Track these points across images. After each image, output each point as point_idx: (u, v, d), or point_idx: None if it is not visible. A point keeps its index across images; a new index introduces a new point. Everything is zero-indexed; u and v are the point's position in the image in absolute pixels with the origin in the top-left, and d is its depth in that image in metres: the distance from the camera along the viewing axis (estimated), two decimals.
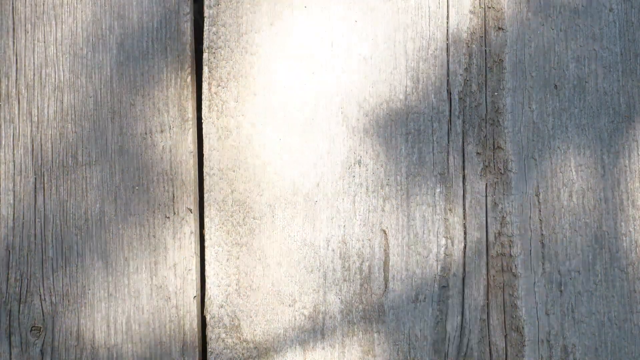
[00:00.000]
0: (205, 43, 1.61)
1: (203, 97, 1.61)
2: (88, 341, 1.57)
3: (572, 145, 1.59)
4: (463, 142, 1.59)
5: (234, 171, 1.59)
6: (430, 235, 1.58)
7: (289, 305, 1.57)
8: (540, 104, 1.59)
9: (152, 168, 1.59)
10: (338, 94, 1.59)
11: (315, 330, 1.57)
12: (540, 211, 1.58)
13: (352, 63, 1.60)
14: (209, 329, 1.58)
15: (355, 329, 1.57)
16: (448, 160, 1.59)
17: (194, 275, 1.58)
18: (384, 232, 1.58)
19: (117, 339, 1.57)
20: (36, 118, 1.59)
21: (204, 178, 1.59)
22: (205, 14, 1.62)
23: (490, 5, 1.61)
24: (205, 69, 1.61)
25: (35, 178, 1.58)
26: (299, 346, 1.57)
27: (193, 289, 1.58)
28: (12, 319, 1.56)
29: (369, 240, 1.58)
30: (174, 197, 1.59)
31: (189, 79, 1.61)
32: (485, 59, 1.60)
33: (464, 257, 1.57)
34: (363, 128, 1.59)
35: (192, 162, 1.60)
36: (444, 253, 1.57)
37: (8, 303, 1.57)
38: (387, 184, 1.58)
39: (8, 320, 1.56)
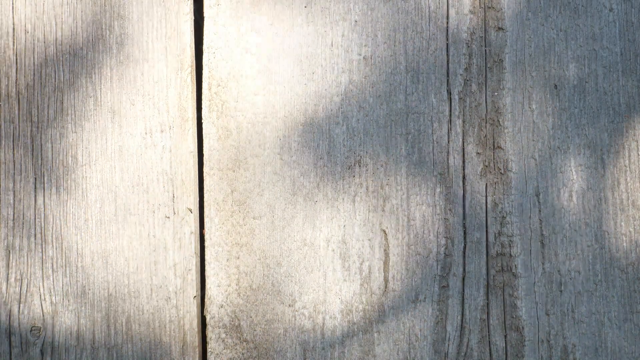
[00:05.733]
0: (205, 43, 1.61)
1: (203, 97, 1.61)
2: (88, 341, 1.57)
3: (572, 145, 1.59)
4: (463, 142, 1.59)
5: (234, 171, 1.59)
6: (430, 235, 1.58)
7: (289, 305, 1.57)
8: (540, 104, 1.59)
9: (152, 168, 1.59)
10: (338, 94, 1.59)
11: (315, 330, 1.57)
12: (540, 211, 1.58)
13: (352, 63, 1.60)
14: (209, 329, 1.58)
15: (355, 329, 1.57)
16: (448, 160, 1.59)
17: (194, 275, 1.58)
18: (384, 232, 1.58)
19: (117, 339, 1.57)
20: (36, 118, 1.59)
21: (204, 178, 1.59)
22: (205, 14, 1.62)
23: (490, 5, 1.61)
24: (205, 69, 1.61)
25: (35, 178, 1.58)
26: (299, 346, 1.57)
27: (193, 289, 1.58)
28: (12, 319, 1.56)
29: (369, 240, 1.58)
30: (174, 197, 1.59)
31: (189, 79, 1.61)
32: (485, 59, 1.60)
33: (464, 257, 1.57)
34: (363, 128, 1.59)
35: (192, 162, 1.60)
36: (444, 253, 1.57)
37: (8, 303, 1.56)
38: (387, 184, 1.58)
39: (8, 320, 1.56)
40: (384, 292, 1.57)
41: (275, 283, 1.57)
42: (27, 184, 1.58)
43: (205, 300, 1.58)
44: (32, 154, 1.59)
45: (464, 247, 1.58)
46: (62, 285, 1.57)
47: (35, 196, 1.58)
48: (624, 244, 1.58)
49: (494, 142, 1.59)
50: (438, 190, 1.58)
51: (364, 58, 1.60)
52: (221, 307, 1.57)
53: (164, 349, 1.57)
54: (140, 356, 1.57)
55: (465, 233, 1.58)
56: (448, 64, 1.60)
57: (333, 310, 1.57)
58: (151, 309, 1.57)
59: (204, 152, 1.60)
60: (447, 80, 1.60)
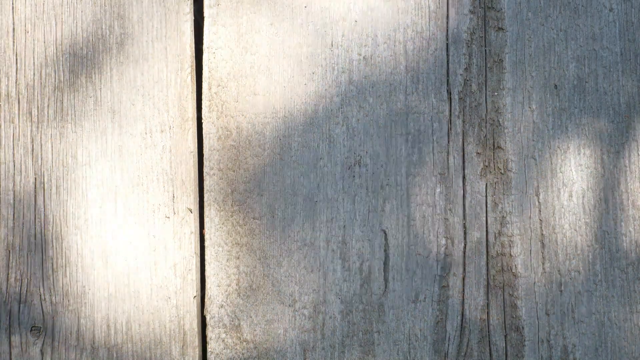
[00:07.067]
0: (205, 43, 1.61)
1: (203, 97, 1.61)
2: (88, 341, 1.57)
3: (572, 145, 1.59)
4: (463, 142, 1.59)
5: (234, 171, 1.59)
6: (430, 235, 1.58)
7: (289, 305, 1.57)
8: (540, 104, 1.59)
9: (152, 168, 1.59)
10: (338, 94, 1.59)
11: (315, 330, 1.57)
12: (540, 211, 1.58)
13: (352, 63, 1.60)
14: (209, 329, 1.58)
15: (355, 329, 1.57)
16: (448, 160, 1.59)
17: (194, 275, 1.58)
18: (384, 232, 1.58)
19: (117, 339, 1.57)
20: (36, 118, 1.59)
21: (204, 178, 1.59)
22: (205, 14, 1.62)
23: (490, 5, 1.61)
24: (205, 69, 1.61)
25: (35, 178, 1.58)
26: (299, 346, 1.57)
27: (193, 289, 1.58)
28: (12, 319, 1.56)
29: (369, 240, 1.58)
30: (174, 197, 1.59)
31: (189, 79, 1.61)
32: (485, 59, 1.60)
33: (464, 257, 1.57)
34: (363, 128, 1.59)
35: (192, 162, 1.60)
36: (444, 253, 1.57)
37: (8, 303, 1.57)
38: (387, 184, 1.58)
39: (8, 320, 1.56)
40: (384, 292, 1.57)
41: (275, 283, 1.58)
42: (27, 184, 1.58)
43: (205, 300, 1.58)
44: (32, 154, 1.59)
45: (464, 247, 1.58)
46: (62, 285, 1.57)
47: (35, 196, 1.58)
48: (624, 244, 1.58)
49: (494, 142, 1.59)
50: (438, 190, 1.58)
51: (364, 58, 1.60)
52: (221, 307, 1.57)
53: (164, 349, 1.57)
54: (140, 356, 1.57)
55: (465, 233, 1.58)
56: (448, 64, 1.60)
57: (333, 310, 1.57)
58: (151, 309, 1.57)
59: (204, 152, 1.60)
60: (447, 80, 1.60)
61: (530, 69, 1.60)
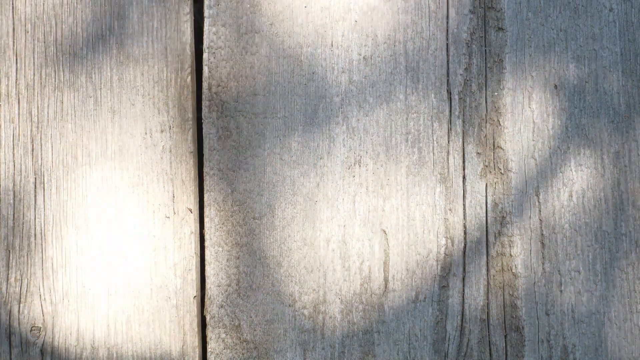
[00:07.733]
0: (205, 43, 1.61)
1: (203, 97, 1.61)
2: (88, 341, 1.57)
3: (572, 145, 1.59)
4: (463, 142, 1.59)
5: (234, 171, 1.59)
6: (430, 235, 1.58)
7: (289, 305, 1.57)
8: (540, 104, 1.59)
9: (152, 168, 1.59)
10: (338, 94, 1.59)
11: (315, 330, 1.57)
12: (540, 211, 1.58)
13: (352, 63, 1.60)
14: (209, 329, 1.58)
15: (355, 329, 1.57)
16: (448, 160, 1.59)
17: (194, 275, 1.58)
18: (384, 232, 1.58)
19: (117, 339, 1.57)
20: (36, 118, 1.59)
21: (204, 178, 1.59)
22: (205, 14, 1.62)
23: (490, 5, 1.61)
24: (205, 69, 1.61)
25: (35, 178, 1.58)
26: (299, 346, 1.57)
27: (193, 289, 1.58)
28: (12, 319, 1.56)
29: (369, 240, 1.58)
30: (174, 197, 1.59)
31: (189, 79, 1.61)
32: (485, 59, 1.60)
33: (464, 257, 1.57)
34: (363, 128, 1.59)
35: (192, 162, 1.60)
36: (444, 253, 1.57)
37: (8, 303, 1.56)
38: (387, 184, 1.58)
39: (8, 320, 1.56)
40: (384, 292, 1.57)
41: (275, 283, 1.57)
42: (27, 184, 1.58)
43: (205, 300, 1.58)
44: (32, 154, 1.59)
45: (464, 247, 1.58)
46: (62, 285, 1.57)
47: (35, 196, 1.58)
48: (624, 244, 1.58)
49: (494, 142, 1.59)
50: (438, 190, 1.58)
51: (364, 58, 1.60)
52: (221, 307, 1.57)
53: (164, 349, 1.57)
54: (140, 356, 1.57)
55: (465, 233, 1.58)
56: (448, 64, 1.60)
57: (333, 310, 1.57)
58: (151, 309, 1.57)
59: (204, 152, 1.60)
60: (447, 80, 1.60)
61: (530, 69, 1.60)
